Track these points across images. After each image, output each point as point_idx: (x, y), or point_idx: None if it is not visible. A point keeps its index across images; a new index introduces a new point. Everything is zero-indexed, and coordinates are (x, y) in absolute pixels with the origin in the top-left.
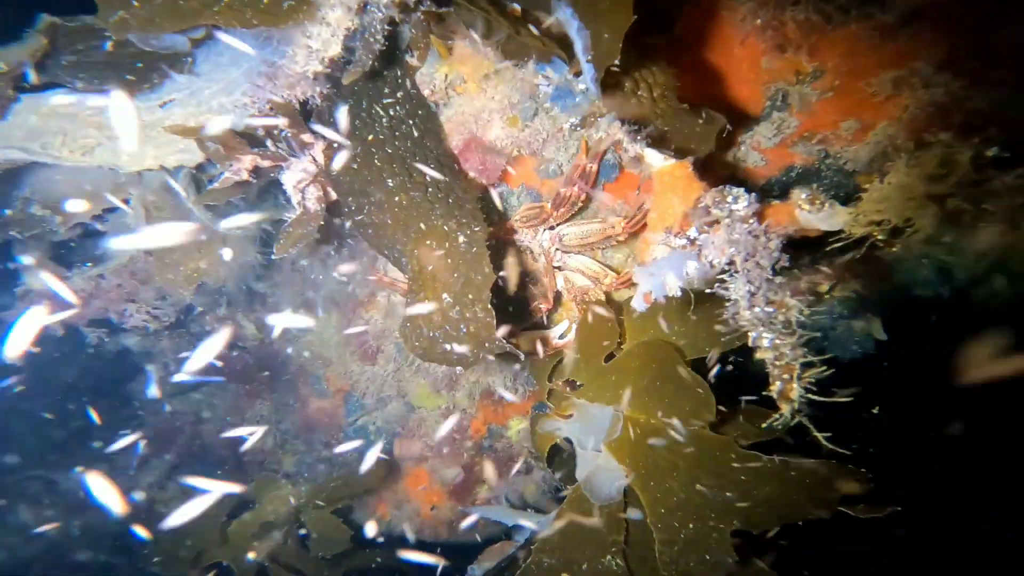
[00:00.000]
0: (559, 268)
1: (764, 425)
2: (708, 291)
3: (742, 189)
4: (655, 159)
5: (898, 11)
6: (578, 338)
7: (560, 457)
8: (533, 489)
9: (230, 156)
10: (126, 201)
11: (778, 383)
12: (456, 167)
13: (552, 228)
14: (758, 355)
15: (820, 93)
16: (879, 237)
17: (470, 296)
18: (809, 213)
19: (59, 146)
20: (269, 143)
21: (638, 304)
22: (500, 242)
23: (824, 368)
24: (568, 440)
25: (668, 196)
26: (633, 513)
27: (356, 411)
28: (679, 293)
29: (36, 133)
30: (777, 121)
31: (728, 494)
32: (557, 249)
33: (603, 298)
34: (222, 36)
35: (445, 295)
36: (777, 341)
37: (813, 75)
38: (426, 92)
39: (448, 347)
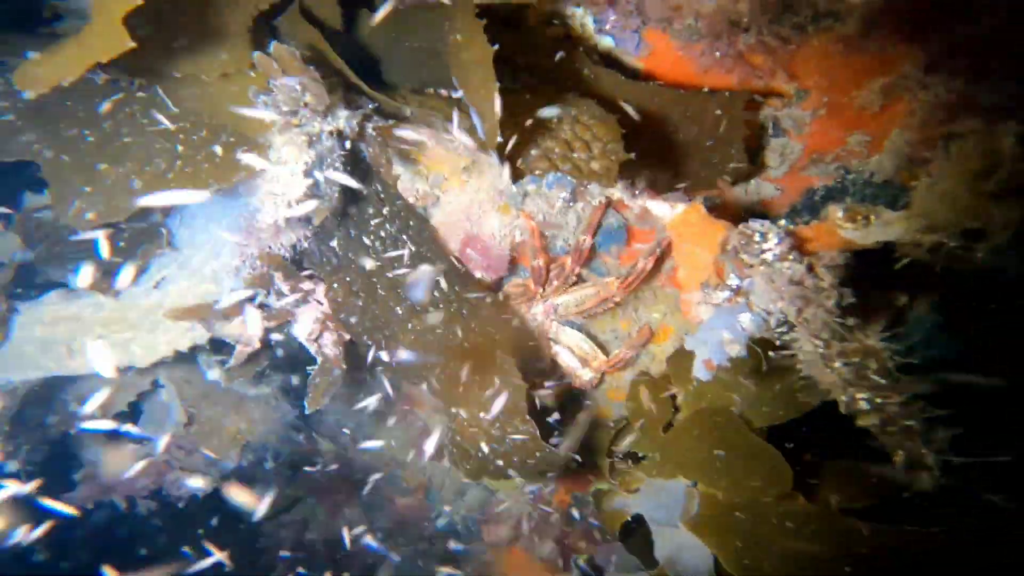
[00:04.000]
0: (554, 341)
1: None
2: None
3: (766, 222)
4: (661, 210)
5: (855, 21)
6: (628, 410)
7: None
8: None
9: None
10: (156, 383)
11: (900, 452)
12: (463, 273)
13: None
14: (860, 422)
15: (813, 112)
16: (951, 244)
17: (510, 415)
18: (854, 231)
19: (68, 357)
20: (272, 299)
21: (700, 373)
22: None
23: (957, 427)
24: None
25: (690, 248)
26: None
27: (437, 500)
28: (744, 352)
29: (46, 346)
30: (778, 148)
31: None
32: (553, 320)
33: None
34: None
35: (481, 413)
36: (878, 400)
37: (798, 96)
38: (412, 200)
39: (499, 463)
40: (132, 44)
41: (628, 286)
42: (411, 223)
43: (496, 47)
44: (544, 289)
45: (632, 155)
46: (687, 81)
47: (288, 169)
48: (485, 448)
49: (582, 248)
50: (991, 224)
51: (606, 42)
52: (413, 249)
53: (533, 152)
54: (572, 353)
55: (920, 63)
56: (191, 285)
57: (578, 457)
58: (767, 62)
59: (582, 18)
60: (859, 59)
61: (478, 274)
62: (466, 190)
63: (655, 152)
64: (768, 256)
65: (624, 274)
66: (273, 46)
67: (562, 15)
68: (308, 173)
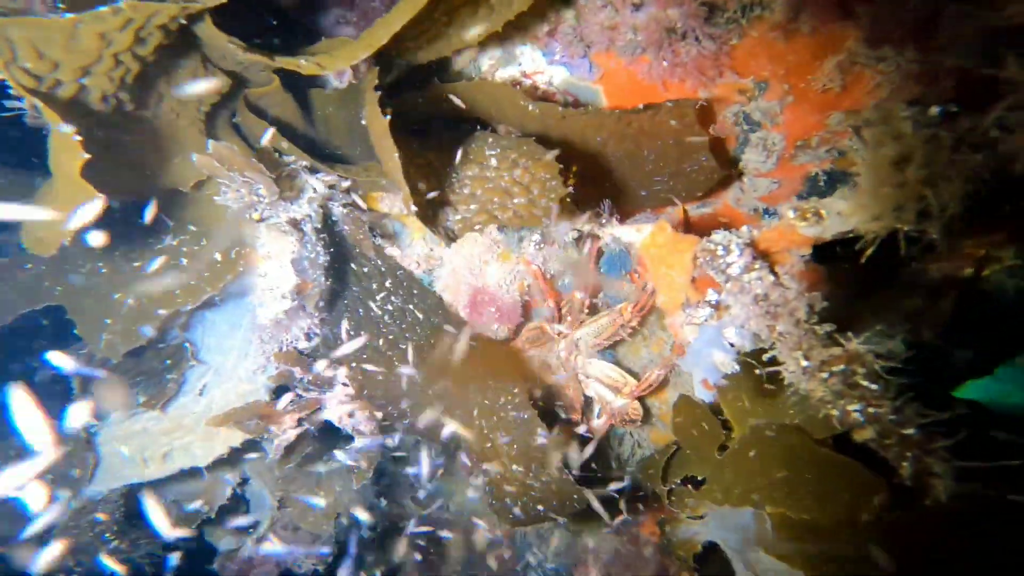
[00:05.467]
0: (587, 376)
1: None
2: None
3: (727, 233)
4: (630, 236)
5: (781, 6)
6: (676, 433)
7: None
8: None
9: (270, 424)
10: (243, 475)
11: (905, 465)
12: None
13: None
14: (857, 436)
15: (780, 101)
16: (905, 229)
17: (538, 461)
18: (809, 227)
19: (143, 466)
20: (299, 390)
21: (702, 395)
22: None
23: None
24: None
25: (661, 270)
26: None
27: (525, 549)
28: (738, 368)
29: (125, 459)
30: (758, 143)
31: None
32: (578, 355)
33: (639, 410)
34: None
35: (514, 466)
36: (871, 410)
37: (759, 88)
38: (413, 267)
39: (540, 509)
40: (101, 196)
41: (640, 309)
42: (415, 291)
43: (389, 119)
44: (560, 327)
45: (571, 189)
46: (645, 95)
47: (276, 263)
48: (523, 496)
49: (587, 280)
50: (931, 207)
51: (561, 72)
52: (421, 317)
53: (473, 207)
54: (602, 383)
55: (860, 38)
56: (230, 387)
57: (615, 494)
58: (712, 62)
59: (531, 54)
60: (801, 42)
61: (494, 326)
62: (463, 245)
63: (617, 177)
64: (733, 270)
65: (636, 298)
66: (211, 145)
67: (513, 56)
68: (298, 263)
